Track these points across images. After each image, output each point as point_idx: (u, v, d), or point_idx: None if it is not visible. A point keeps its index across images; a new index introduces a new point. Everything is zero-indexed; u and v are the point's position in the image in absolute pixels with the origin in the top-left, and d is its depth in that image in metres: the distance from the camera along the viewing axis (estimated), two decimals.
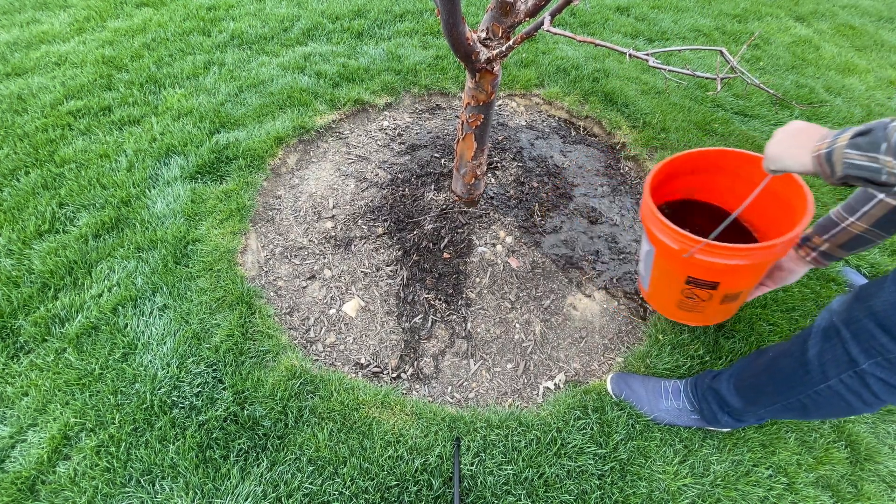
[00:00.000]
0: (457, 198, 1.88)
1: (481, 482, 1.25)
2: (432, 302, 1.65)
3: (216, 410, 1.33)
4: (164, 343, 1.46)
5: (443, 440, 1.31)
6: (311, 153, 2.20)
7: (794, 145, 0.83)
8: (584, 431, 1.35)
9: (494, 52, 1.25)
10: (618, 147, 2.32)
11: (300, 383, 1.40)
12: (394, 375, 1.50)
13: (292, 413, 1.34)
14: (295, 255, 1.78)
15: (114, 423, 1.30)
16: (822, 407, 0.99)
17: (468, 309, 1.64)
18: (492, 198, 1.95)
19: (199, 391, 1.37)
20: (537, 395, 1.48)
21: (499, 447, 1.31)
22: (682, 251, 1.13)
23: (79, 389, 1.37)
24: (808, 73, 2.88)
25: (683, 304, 1.32)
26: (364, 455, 1.28)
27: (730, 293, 1.22)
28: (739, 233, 1.41)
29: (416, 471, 1.26)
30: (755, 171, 1.27)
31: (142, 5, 3.17)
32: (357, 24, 2.94)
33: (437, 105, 2.50)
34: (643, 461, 1.30)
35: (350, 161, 2.15)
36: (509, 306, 1.66)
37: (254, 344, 1.48)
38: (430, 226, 1.82)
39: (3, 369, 1.42)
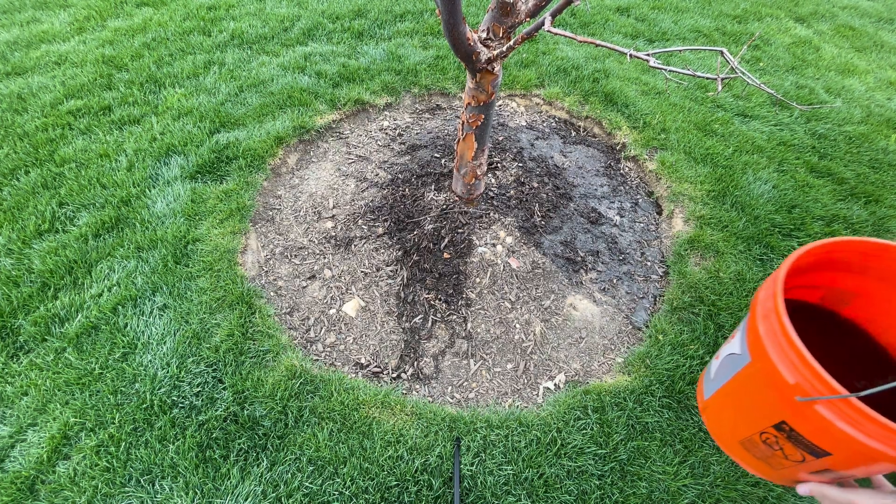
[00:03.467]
0: (457, 198, 1.88)
1: (481, 482, 1.25)
2: (432, 302, 1.65)
3: (216, 410, 1.33)
4: (164, 343, 1.46)
5: (443, 440, 1.31)
6: (312, 153, 2.19)
7: None
8: (584, 432, 1.35)
9: (495, 52, 1.25)
10: (618, 147, 2.32)
11: (300, 383, 1.40)
12: (394, 375, 1.50)
13: (292, 413, 1.34)
14: (295, 255, 1.78)
15: (114, 423, 1.30)
16: None
17: (468, 309, 1.64)
18: (492, 198, 1.95)
19: (199, 391, 1.37)
20: (537, 395, 1.48)
21: (499, 447, 1.31)
22: (798, 390, 0.72)
23: (79, 389, 1.37)
24: (808, 73, 2.89)
25: (755, 447, 0.91)
26: (364, 455, 1.28)
27: (834, 470, 0.78)
28: (875, 358, 0.87)
29: (416, 471, 1.26)
30: None
31: (142, 5, 3.17)
32: (357, 24, 2.94)
33: (438, 105, 2.50)
34: (643, 461, 1.30)
35: (350, 161, 2.15)
36: (509, 306, 1.66)
37: (254, 344, 1.48)
38: (431, 226, 1.82)
39: (3, 369, 1.42)
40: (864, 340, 0.86)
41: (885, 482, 0.75)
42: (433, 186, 1.97)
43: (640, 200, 2.09)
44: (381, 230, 1.83)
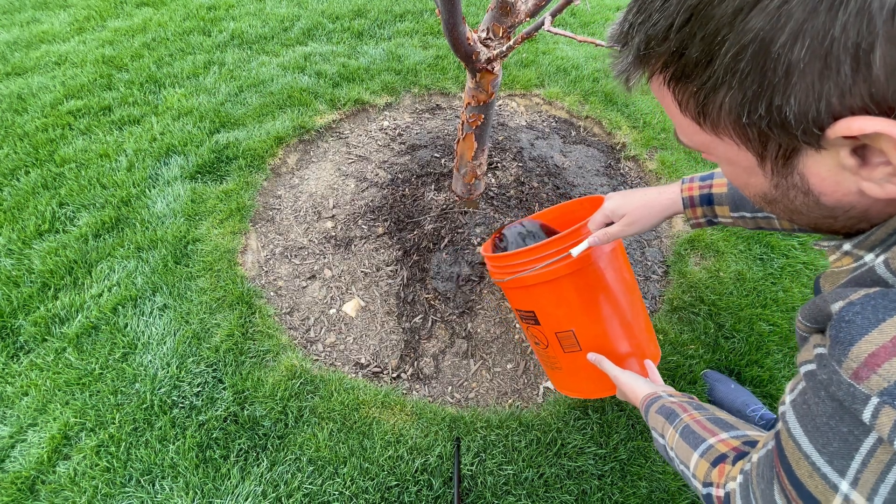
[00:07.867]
0: (457, 198, 1.88)
1: (481, 482, 1.25)
2: (432, 302, 1.65)
3: (216, 410, 1.33)
4: (164, 343, 1.46)
5: (443, 440, 1.31)
6: (312, 153, 2.19)
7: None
8: (585, 431, 1.35)
9: (495, 52, 1.25)
10: (618, 147, 2.32)
11: (300, 383, 1.40)
12: (394, 375, 1.50)
13: (292, 413, 1.34)
14: (295, 255, 1.78)
15: (114, 423, 1.30)
16: None
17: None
18: (492, 198, 1.95)
19: (199, 391, 1.37)
20: (537, 395, 1.48)
21: (499, 447, 1.31)
22: (492, 275, 1.09)
23: (79, 389, 1.37)
24: None
25: (542, 355, 1.14)
26: (364, 455, 1.28)
27: (560, 332, 1.02)
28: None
29: (416, 471, 1.26)
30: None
31: (142, 5, 3.17)
32: (357, 23, 2.94)
33: (438, 105, 2.50)
34: (643, 461, 1.30)
35: (350, 161, 2.15)
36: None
37: (254, 344, 1.48)
38: (431, 226, 1.82)
39: (3, 369, 1.42)
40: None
41: (658, 377, 0.98)
42: (433, 186, 1.97)
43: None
44: (381, 230, 1.83)
